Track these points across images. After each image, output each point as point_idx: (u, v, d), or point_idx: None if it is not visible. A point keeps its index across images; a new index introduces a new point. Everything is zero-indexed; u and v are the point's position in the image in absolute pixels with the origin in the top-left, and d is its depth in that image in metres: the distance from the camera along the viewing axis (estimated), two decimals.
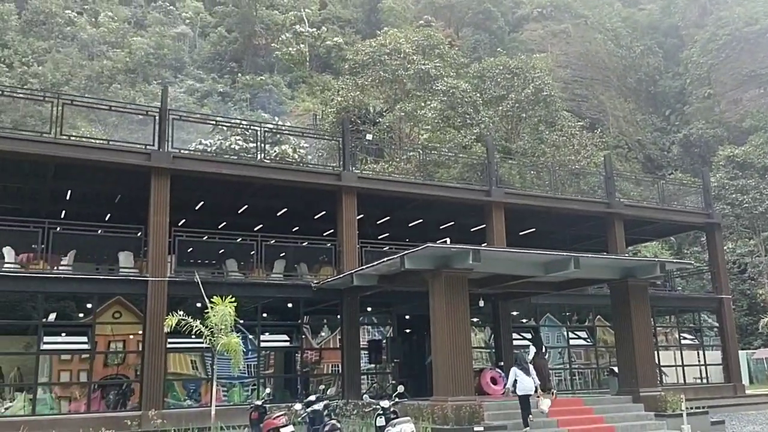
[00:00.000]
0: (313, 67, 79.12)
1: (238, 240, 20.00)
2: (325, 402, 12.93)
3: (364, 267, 16.70)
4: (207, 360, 18.25)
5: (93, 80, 69.02)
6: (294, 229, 24.37)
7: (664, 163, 76.36)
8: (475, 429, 13.61)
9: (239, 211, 22.91)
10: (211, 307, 12.98)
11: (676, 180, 36.37)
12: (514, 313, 23.46)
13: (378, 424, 12.22)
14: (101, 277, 16.88)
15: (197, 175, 18.27)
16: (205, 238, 19.85)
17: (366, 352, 21.23)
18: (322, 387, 14.28)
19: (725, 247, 39.60)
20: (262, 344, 18.97)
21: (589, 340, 24.85)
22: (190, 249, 20.15)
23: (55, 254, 18.00)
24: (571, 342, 24.18)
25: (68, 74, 68.69)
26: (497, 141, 44.71)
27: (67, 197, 20.37)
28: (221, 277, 18.90)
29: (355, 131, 40.06)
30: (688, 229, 31.90)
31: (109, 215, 22.07)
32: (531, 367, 14.96)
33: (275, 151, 36.05)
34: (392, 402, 12.79)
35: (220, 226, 22.68)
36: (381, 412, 12.28)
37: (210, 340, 12.75)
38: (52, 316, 17.27)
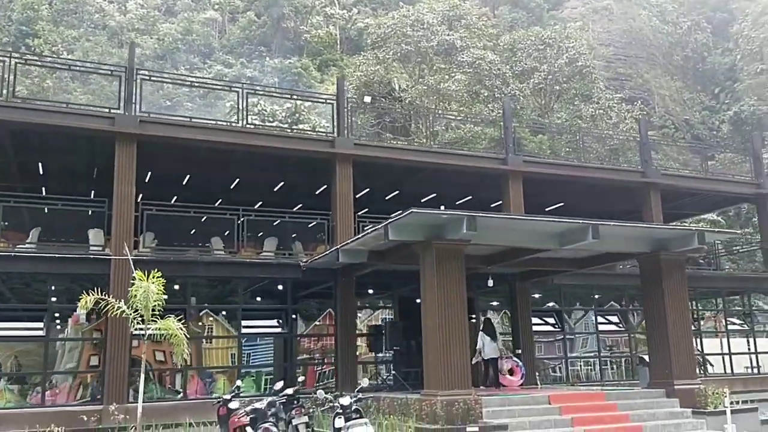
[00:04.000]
0: (344, 49, 77.11)
1: (220, 216, 18.03)
2: (270, 399, 10.87)
3: (349, 241, 14.56)
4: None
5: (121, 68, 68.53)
6: (297, 207, 22.41)
7: (713, 142, 72.15)
8: (468, 429, 11.37)
9: (232, 187, 21.04)
10: (132, 284, 10.96)
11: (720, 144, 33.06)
12: (536, 296, 21.05)
13: (336, 426, 10.10)
14: (57, 255, 15.09)
15: (170, 141, 16.37)
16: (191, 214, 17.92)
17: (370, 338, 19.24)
18: (280, 384, 12.21)
19: None
20: (244, 330, 16.98)
21: (621, 325, 22.24)
22: (174, 226, 18.42)
23: (17, 232, 16.46)
24: (600, 327, 21.61)
25: (97, 62, 68.30)
26: (530, 116, 42.08)
27: (40, 170, 18.72)
28: (196, 256, 16.95)
29: (377, 108, 38.14)
30: (736, 202, 28.72)
31: (93, 191, 20.47)
32: (497, 332, 15.66)
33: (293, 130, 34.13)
34: (354, 398, 10.62)
35: (217, 203, 20.88)
36: (340, 411, 10.15)
37: (135, 324, 10.76)
38: None
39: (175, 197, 20.84)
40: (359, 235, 14.00)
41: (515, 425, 12.10)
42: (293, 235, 20.02)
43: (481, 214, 12.47)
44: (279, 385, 12.57)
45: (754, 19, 73.98)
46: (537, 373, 19.48)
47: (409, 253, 13.74)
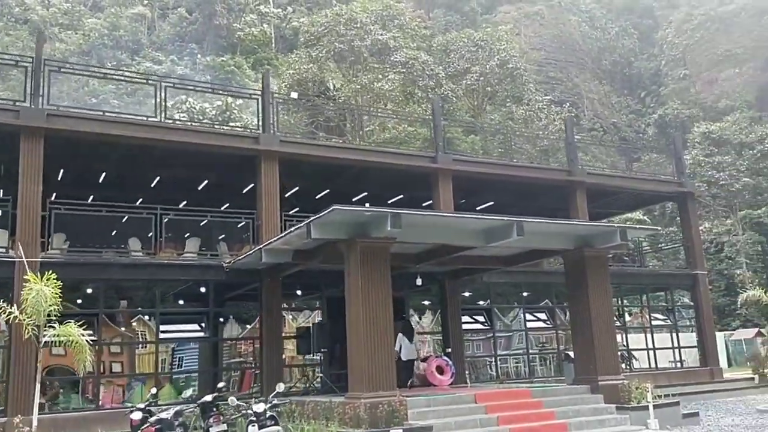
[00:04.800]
0: (279, 48, 76.13)
1: (137, 216, 17.20)
2: (177, 408, 10.27)
3: (272, 240, 14.05)
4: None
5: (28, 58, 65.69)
6: (225, 206, 21.68)
7: (639, 145, 74.40)
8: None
9: (153, 185, 20.17)
10: (28, 288, 10.18)
11: (646, 146, 33.93)
12: (466, 294, 20.99)
13: None
14: None
15: (81, 136, 15.46)
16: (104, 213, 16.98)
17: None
18: (153, 390, 11.52)
19: (701, 227, 37.55)
20: (162, 336, 16.21)
21: (548, 322, 22.44)
22: (89, 227, 17.43)
23: None
24: (529, 325, 21.73)
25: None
26: (463, 117, 42.33)
27: None
28: (110, 257, 16.06)
29: (312, 107, 37.54)
30: (659, 200, 29.52)
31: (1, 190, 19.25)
32: (415, 333, 15.77)
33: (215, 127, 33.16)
34: (269, 404, 10.13)
35: (138, 203, 19.96)
36: (254, 418, 9.63)
37: (30, 329, 9.98)
38: None
39: (92, 197, 19.88)
40: (282, 234, 13.53)
41: (441, 426, 11.87)
42: (221, 237, 19.33)
43: (405, 211, 12.20)
44: (188, 392, 11.94)
45: (677, 26, 76.94)
46: (467, 372, 19.38)
47: (335, 253, 13.35)
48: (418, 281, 16.99)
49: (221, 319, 18.57)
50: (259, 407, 9.81)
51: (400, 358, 16.38)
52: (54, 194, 18.80)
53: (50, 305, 10.03)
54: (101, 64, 68.07)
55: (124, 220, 17.92)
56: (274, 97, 17.94)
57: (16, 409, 13.47)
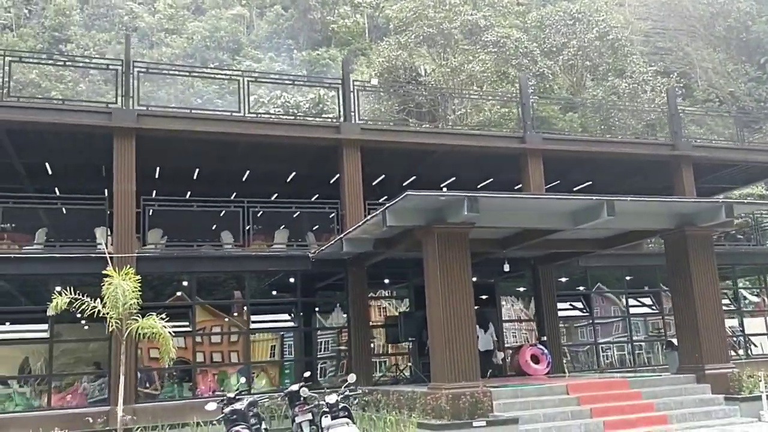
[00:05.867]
0: (373, 38, 76.25)
1: (226, 209, 17.59)
2: (251, 399, 10.27)
3: (351, 230, 13.91)
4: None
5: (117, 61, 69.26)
6: (315, 197, 21.86)
7: (761, 115, 69.02)
8: (475, 424, 10.64)
9: (244, 179, 20.59)
10: (108, 283, 10.48)
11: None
12: (563, 280, 20.08)
13: (323, 425, 9.46)
14: (59, 255, 14.82)
15: (170, 134, 15.94)
16: (195, 208, 17.51)
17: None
18: (242, 380, 11.54)
19: None
20: (252, 326, 16.48)
21: (654, 307, 21.07)
22: (185, 222, 18.03)
23: (21, 233, 16.29)
24: (633, 310, 20.49)
25: (95, 56, 69.07)
26: (560, 94, 40.75)
27: (48, 170, 18.54)
28: (200, 251, 16.47)
29: (403, 94, 37.26)
30: None
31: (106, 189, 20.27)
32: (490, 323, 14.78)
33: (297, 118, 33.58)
34: (341, 395, 9.95)
35: (232, 196, 20.48)
36: (326, 410, 9.49)
37: (114, 323, 10.28)
38: None
39: (189, 192, 20.57)
40: (360, 223, 13.35)
41: (528, 418, 11.32)
42: (314, 227, 19.45)
43: (482, 195, 11.67)
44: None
45: None
46: (565, 361, 18.59)
47: (414, 240, 13.06)
48: (506, 267, 16.36)
49: (316, 309, 18.61)
50: (332, 398, 9.68)
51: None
52: (155, 191, 19.68)
53: (131, 299, 10.31)
54: (205, 66, 71.09)
55: (221, 214, 18.44)
56: (354, 86, 17.75)
57: (118, 399, 14.13)
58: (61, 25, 69.42)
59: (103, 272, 11.17)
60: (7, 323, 15.69)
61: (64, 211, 17.08)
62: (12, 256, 14.70)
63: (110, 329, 10.80)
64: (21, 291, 16.24)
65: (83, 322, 13.96)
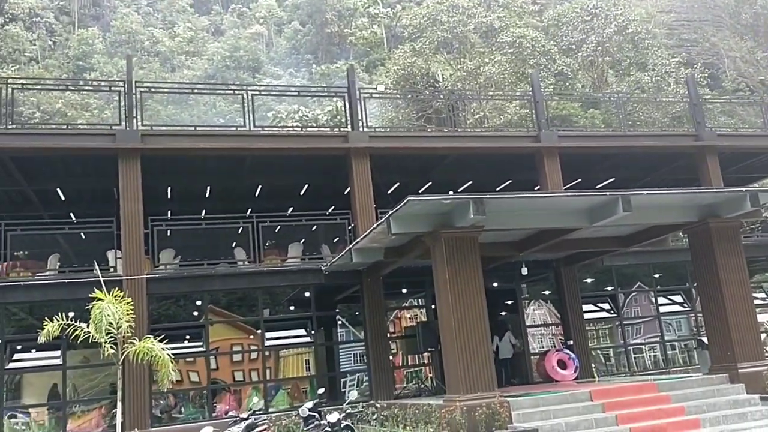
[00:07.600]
0: (391, 47, 76.13)
1: (235, 226, 17.31)
2: (249, 422, 9.88)
3: (359, 240, 13.51)
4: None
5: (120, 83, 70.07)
6: (330, 209, 21.54)
7: None
8: None
9: (256, 194, 20.38)
10: (93, 305, 10.20)
11: None
12: (588, 281, 19.40)
13: None
14: (67, 281, 14.66)
15: (175, 153, 15.78)
16: (203, 226, 17.35)
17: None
18: (255, 399, 11.18)
19: None
20: (267, 342, 16.12)
21: (686, 305, 20.22)
22: (198, 240, 17.86)
23: (35, 260, 16.22)
24: (663, 309, 19.67)
25: (99, 79, 69.98)
26: (581, 91, 39.99)
27: (61, 196, 18.52)
28: (211, 269, 16.17)
29: (420, 100, 36.87)
30: None
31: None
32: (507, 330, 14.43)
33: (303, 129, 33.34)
34: (343, 414, 9.50)
35: (248, 212, 20.26)
36: (328, 429, 9.06)
37: (107, 347, 9.99)
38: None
39: (204, 210, 20.40)
40: (367, 232, 12.94)
41: (548, 428, 10.75)
42: (335, 239, 19.10)
43: (488, 196, 11.18)
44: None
45: None
46: (594, 365, 17.88)
47: (425, 247, 12.61)
48: (524, 270, 15.79)
49: (339, 322, 18.18)
50: (333, 417, 9.26)
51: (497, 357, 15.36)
52: (169, 212, 19.54)
53: (125, 321, 10.02)
54: (226, 86, 71.64)
55: (239, 231, 18.17)
56: (360, 93, 17.41)
57: (133, 423, 13.90)
58: (84, 54, 70.68)
59: (90, 295, 10.86)
60: (33, 350, 15.61)
61: (83, 236, 17.01)
62: (21, 283, 14.57)
63: (106, 354, 10.52)
64: (37, 318, 16.16)
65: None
